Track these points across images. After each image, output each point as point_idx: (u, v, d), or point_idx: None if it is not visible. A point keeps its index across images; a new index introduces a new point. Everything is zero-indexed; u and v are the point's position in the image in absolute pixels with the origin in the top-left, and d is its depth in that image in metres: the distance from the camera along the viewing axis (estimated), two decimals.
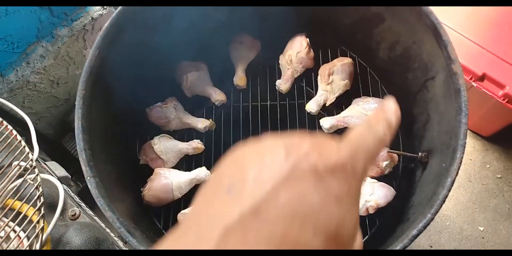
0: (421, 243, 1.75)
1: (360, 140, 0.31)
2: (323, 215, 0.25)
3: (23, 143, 0.95)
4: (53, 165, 1.37)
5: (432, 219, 0.71)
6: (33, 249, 0.79)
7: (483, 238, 1.76)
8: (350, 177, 0.28)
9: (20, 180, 0.90)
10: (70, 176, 1.41)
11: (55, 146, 1.66)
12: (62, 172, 1.37)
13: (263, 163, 0.27)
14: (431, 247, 1.74)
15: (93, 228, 0.94)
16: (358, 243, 0.31)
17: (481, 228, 1.78)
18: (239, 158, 0.30)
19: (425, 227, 0.71)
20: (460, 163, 0.76)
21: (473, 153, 1.96)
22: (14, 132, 0.97)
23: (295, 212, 0.25)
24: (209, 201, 0.28)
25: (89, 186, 0.76)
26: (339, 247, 0.26)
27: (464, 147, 0.77)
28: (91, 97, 0.85)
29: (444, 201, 0.73)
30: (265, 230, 0.24)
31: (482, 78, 1.63)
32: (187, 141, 1.11)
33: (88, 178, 0.76)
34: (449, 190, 0.74)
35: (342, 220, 0.26)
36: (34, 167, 0.92)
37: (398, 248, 0.70)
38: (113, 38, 0.91)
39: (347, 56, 1.20)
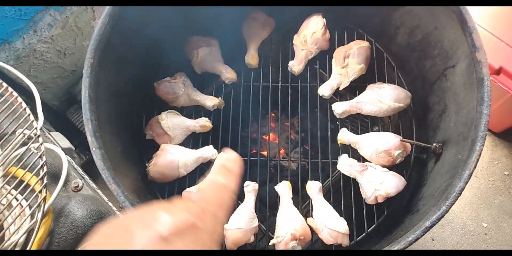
0: (423, 236, 1.73)
1: (206, 196, 0.36)
2: None
3: (27, 111, 0.93)
4: (58, 136, 1.35)
5: (447, 211, 0.69)
6: (35, 218, 0.78)
7: (486, 234, 1.75)
8: (200, 233, 0.32)
9: (24, 148, 0.88)
10: (74, 148, 1.40)
11: (60, 118, 1.64)
12: (66, 143, 1.36)
13: (114, 244, 0.31)
14: (433, 240, 1.73)
15: (95, 201, 0.92)
16: None
17: (485, 225, 1.77)
18: (95, 243, 0.33)
19: (439, 219, 0.69)
20: (479, 155, 0.73)
21: None
22: (19, 99, 0.95)
23: None
24: None
25: (94, 157, 0.74)
26: None
27: (484, 138, 0.74)
28: (99, 67, 0.82)
29: (460, 194, 0.70)
30: None
31: (498, 71, 1.59)
32: (195, 119, 1.08)
33: (94, 149, 0.74)
34: (466, 183, 0.71)
35: None
36: (38, 136, 0.90)
37: (410, 239, 0.68)
38: (125, 7, 0.88)
39: (363, 40, 1.16)
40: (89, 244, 0.33)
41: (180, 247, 0.30)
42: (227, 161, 0.39)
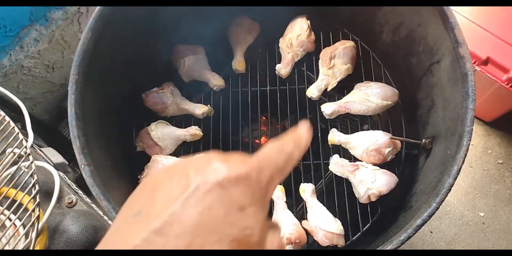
0: (421, 229, 1.73)
1: (268, 154, 0.35)
2: (226, 223, 0.29)
3: (16, 129, 0.93)
4: (50, 152, 1.35)
5: (437, 208, 0.70)
6: (29, 237, 0.78)
7: (483, 223, 1.76)
8: (254, 186, 0.32)
9: (15, 167, 0.88)
10: (67, 163, 1.39)
11: (52, 132, 1.64)
12: (59, 158, 1.35)
13: (172, 184, 0.31)
14: (431, 232, 1.74)
15: (90, 216, 0.92)
16: (273, 243, 0.34)
17: (482, 214, 1.78)
18: (150, 184, 0.32)
19: (430, 216, 0.69)
20: (467, 150, 0.74)
21: (474, 139, 1.94)
22: (7, 118, 0.95)
23: (198, 225, 0.28)
24: (118, 226, 0.31)
25: (83, 174, 0.74)
26: (246, 248, 0.30)
27: (471, 133, 0.75)
28: (85, 82, 0.82)
29: (450, 190, 0.71)
30: (169, 244, 0.27)
31: (485, 62, 1.60)
32: (185, 128, 1.08)
33: (83, 166, 0.74)
34: (455, 179, 0.72)
35: (245, 225, 0.30)
36: (29, 154, 0.90)
37: (402, 238, 0.68)
38: (107, 20, 0.87)
39: (349, 39, 1.17)
40: (143, 185, 0.33)
41: (235, 195, 0.30)
42: (300, 132, 0.38)
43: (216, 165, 0.31)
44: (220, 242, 0.28)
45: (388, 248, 0.68)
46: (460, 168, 0.73)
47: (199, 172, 0.31)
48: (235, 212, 0.30)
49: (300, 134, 0.38)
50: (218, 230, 0.29)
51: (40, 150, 1.21)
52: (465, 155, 0.74)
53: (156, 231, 0.28)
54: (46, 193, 0.93)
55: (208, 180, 0.30)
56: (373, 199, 0.94)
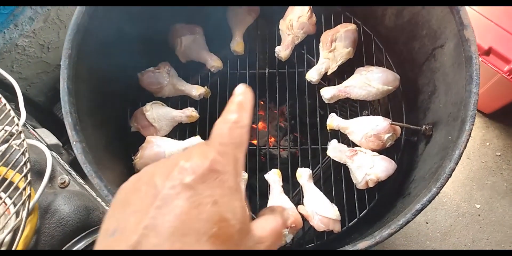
0: (416, 219, 1.72)
1: (221, 134, 0.34)
2: (200, 222, 0.29)
3: (8, 106, 0.91)
4: (44, 133, 1.33)
5: (437, 193, 0.68)
6: (20, 216, 0.76)
7: (479, 215, 1.75)
8: (222, 176, 0.32)
9: (6, 145, 0.86)
10: (61, 144, 1.37)
11: (47, 114, 1.61)
12: (53, 139, 1.33)
13: (140, 197, 0.31)
14: (427, 223, 1.73)
15: (82, 197, 0.91)
16: (265, 227, 0.34)
17: (478, 206, 1.77)
18: (120, 200, 0.33)
19: (430, 201, 0.68)
20: (469, 135, 0.72)
21: (473, 130, 1.90)
22: None
23: (173, 231, 0.28)
24: (100, 249, 0.30)
25: (75, 151, 0.72)
26: (229, 241, 0.30)
27: (474, 118, 0.73)
28: (78, 57, 0.79)
29: (450, 175, 0.69)
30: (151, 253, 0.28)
31: (487, 52, 1.58)
32: (181, 109, 1.06)
33: (74, 143, 0.72)
34: (457, 164, 0.70)
35: (220, 218, 0.30)
36: (20, 132, 0.88)
37: (401, 222, 0.67)
38: None
39: (351, 23, 1.14)
40: (114, 202, 0.33)
41: (204, 192, 0.30)
42: (237, 96, 0.37)
43: (182, 165, 0.31)
44: (198, 243, 0.29)
45: (386, 232, 0.67)
46: (461, 153, 0.71)
47: (165, 178, 0.31)
48: (208, 209, 0.30)
49: (239, 95, 0.37)
50: (194, 231, 0.29)
51: (34, 130, 1.19)
52: (467, 140, 0.72)
53: (134, 246, 0.28)
54: (38, 173, 0.91)
55: (175, 184, 0.30)
56: (370, 185, 0.92)
